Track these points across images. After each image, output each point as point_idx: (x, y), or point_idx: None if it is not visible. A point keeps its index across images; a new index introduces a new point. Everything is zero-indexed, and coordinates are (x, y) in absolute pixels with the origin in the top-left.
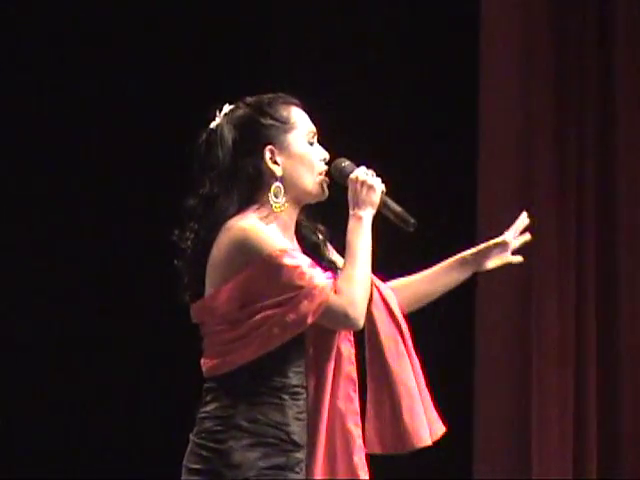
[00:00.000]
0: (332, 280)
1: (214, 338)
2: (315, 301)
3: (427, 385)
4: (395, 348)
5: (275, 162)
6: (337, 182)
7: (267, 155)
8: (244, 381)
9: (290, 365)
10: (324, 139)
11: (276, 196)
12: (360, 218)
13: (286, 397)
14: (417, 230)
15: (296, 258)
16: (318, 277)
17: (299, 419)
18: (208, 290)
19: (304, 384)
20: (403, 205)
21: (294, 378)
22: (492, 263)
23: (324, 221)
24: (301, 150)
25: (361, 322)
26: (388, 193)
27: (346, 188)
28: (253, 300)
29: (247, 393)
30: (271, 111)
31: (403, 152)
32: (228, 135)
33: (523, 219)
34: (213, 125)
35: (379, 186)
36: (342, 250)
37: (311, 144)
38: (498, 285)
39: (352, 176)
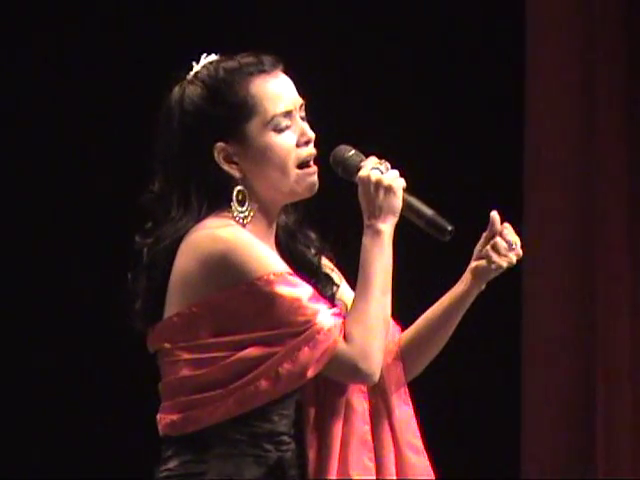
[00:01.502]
0: (341, 317)
1: (175, 381)
2: (319, 348)
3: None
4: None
5: (231, 162)
6: (341, 177)
7: (217, 155)
8: (216, 427)
9: (275, 406)
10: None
11: (240, 203)
12: (378, 232)
13: (269, 447)
14: (455, 239)
15: (296, 286)
16: (324, 314)
17: (285, 477)
18: (170, 311)
19: (292, 433)
20: (434, 206)
21: (280, 423)
22: (485, 278)
23: (320, 225)
24: (262, 142)
25: (376, 376)
26: (412, 189)
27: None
28: (232, 329)
29: (220, 443)
30: (223, 94)
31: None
32: (173, 118)
33: (496, 220)
34: (173, 93)
35: (399, 184)
36: (349, 272)
37: (282, 129)
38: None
39: (362, 174)
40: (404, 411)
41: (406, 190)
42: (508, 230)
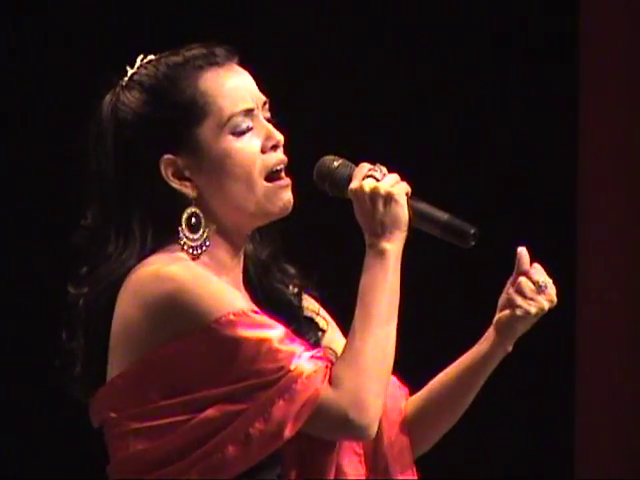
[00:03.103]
0: (324, 360)
1: (125, 459)
2: (297, 400)
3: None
4: None
5: (182, 177)
6: (331, 195)
7: (164, 170)
8: None
9: (250, 477)
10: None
11: (192, 230)
12: (382, 253)
13: None
14: (480, 244)
15: (263, 326)
16: (300, 358)
17: None
18: (113, 371)
19: None
20: (451, 208)
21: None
22: (511, 334)
23: (301, 252)
24: (218, 149)
25: (372, 429)
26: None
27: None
28: (188, 386)
29: None
30: (166, 94)
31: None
32: (107, 132)
33: (523, 257)
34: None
35: (401, 189)
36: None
37: (243, 132)
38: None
39: (353, 186)
40: None
41: (412, 196)
42: (537, 269)
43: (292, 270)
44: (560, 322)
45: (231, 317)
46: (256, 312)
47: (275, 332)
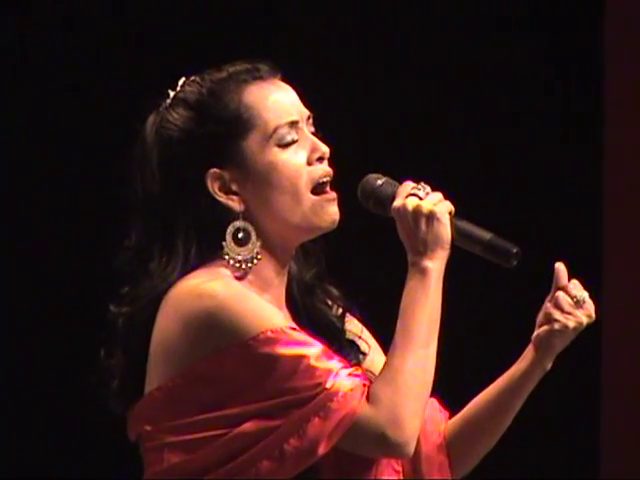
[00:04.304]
0: (361, 379)
1: (161, 472)
2: (332, 418)
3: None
4: None
5: (229, 191)
6: (374, 213)
7: (211, 185)
8: None
9: None
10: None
11: (239, 243)
12: (424, 271)
13: None
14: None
15: (301, 344)
16: (338, 375)
17: None
18: (151, 385)
19: None
20: (489, 226)
21: None
22: (550, 350)
23: (343, 273)
24: (264, 161)
25: (410, 447)
26: (461, 212)
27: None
28: (225, 401)
29: None
30: (211, 109)
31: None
32: (152, 153)
33: (561, 273)
34: (148, 123)
35: (444, 208)
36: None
37: (288, 144)
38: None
39: (396, 204)
40: None
41: (455, 215)
42: (574, 285)
43: (336, 292)
44: (586, 337)
45: (269, 334)
46: (294, 329)
47: (313, 349)
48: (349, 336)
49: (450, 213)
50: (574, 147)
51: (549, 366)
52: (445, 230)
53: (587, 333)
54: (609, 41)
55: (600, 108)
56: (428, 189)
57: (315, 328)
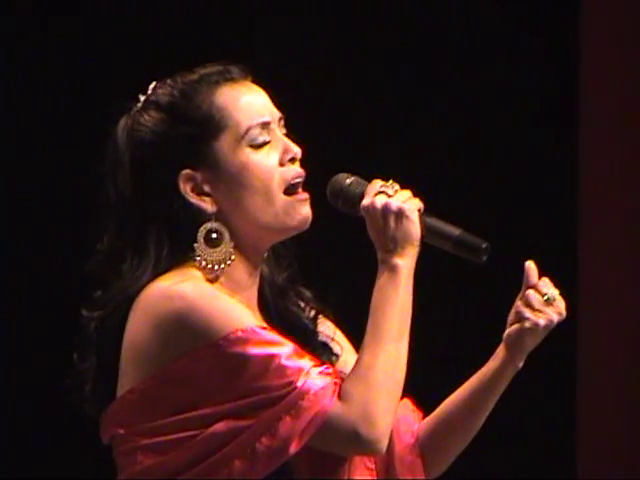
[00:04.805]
0: (333, 377)
1: (134, 475)
2: (303, 416)
3: None
4: None
5: (201, 193)
6: (343, 212)
7: (183, 186)
8: None
9: None
10: None
11: (211, 245)
12: (394, 269)
13: None
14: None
15: (271, 343)
16: (309, 374)
17: None
18: (123, 388)
19: None
20: (460, 223)
21: None
22: (521, 349)
23: (314, 273)
24: (236, 162)
25: (383, 444)
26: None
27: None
28: (197, 402)
29: None
30: (182, 110)
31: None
32: (124, 155)
33: (531, 271)
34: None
35: (412, 205)
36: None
37: (260, 145)
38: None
39: (365, 202)
40: None
41: (424, 212)
42: (544, 282)
43: (308, 294)
44: (562, 335)
45: (239, 334)
46: (265, 329)
47: (283, 349)
48: (322, 338)
49: (419, 210)
50: (548, 139)
51: (521, 364)
52: (414, 227)
53: (563, 332)
54: (585, 26)
55: (575, 98)
56: (397, 187)
57: (288, 330)
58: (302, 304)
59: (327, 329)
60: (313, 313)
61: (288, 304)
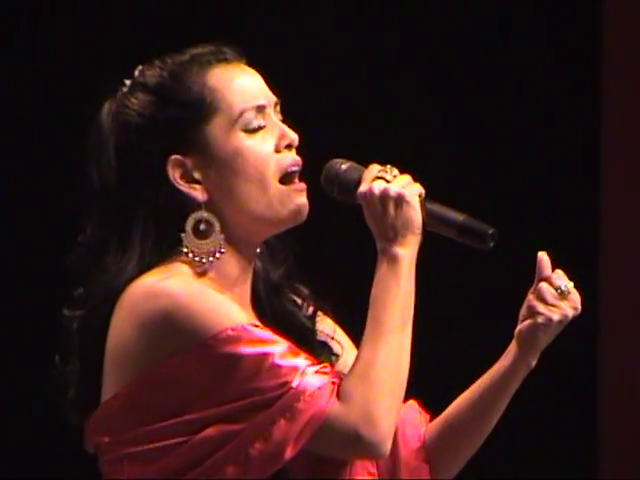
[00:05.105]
0: (330, 376)
1: None
2: (299, 419)
3: None
4: None
5: (191, 180)
6: (339, 201)
7: (172, 172)
8: None
9: None
10: None
11: (200, 236)
12: (394, 258)
13: None
14: (499, 246)
15: (264, 341)
16: (304, 373)
17: None
18: (107, 393)
19: None
20: (464, 209)
21: None
22: (534, 346)
23: (309, 267)
24: (229, 147)
25: (385, 446)
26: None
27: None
28: (185, 406)
29: None
30: (172, 92)
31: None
32: (108, 140)
33: (543, 263)
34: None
35: (413, 191)
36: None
37: (255, 130)
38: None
39: (362, 189)
40: None
41: (426, 197)
42: (558, 275)
43: (306, 290)
44: (581, 331)
45: (229, 332)
46: (257, 326)
47: (277, 347)
48: (321, 337)
49: (420, 196)
50: (566, 126)
51: (534, 363)
52: (415, 214)
53: (581, 328)
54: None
55: (597, 96)
56: (396, 172)
57: (283, 330)
58: (299, 301)
59: (326, 327)
60: (311, 310)
61: (284, 302)
